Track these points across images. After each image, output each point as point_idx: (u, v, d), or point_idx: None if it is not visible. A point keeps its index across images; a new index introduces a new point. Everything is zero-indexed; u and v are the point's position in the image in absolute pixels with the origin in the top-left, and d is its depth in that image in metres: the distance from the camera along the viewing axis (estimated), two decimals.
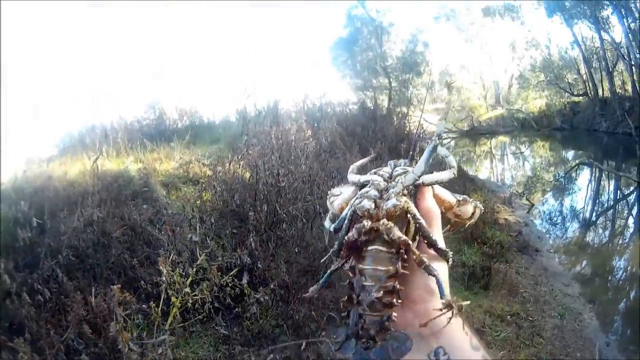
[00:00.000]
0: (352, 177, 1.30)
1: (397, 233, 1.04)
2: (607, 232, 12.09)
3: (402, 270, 1.04)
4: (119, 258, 6.52)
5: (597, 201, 15.36)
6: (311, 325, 5.78)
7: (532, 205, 13.11)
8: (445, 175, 1.19)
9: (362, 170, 1.38)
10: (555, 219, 12.68)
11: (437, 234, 1.13)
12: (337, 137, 12.09)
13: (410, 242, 1.04)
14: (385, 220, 1.05)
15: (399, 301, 1.03)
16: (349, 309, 1.10)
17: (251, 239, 6.28)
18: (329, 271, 1.18)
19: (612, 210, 14.10)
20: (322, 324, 5.75)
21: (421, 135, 15.97)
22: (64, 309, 5.25)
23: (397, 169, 1.26)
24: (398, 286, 1.03)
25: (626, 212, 13.98)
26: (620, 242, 11.34)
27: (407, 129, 17.15)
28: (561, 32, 39.79)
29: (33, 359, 4.06)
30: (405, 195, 1.12)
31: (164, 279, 5.16)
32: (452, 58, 40.36)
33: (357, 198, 1.16)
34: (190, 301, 5.32)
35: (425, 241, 1.08)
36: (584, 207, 14.17)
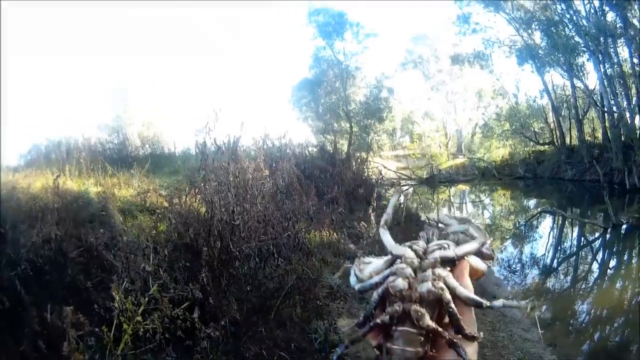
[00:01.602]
0: (389, 243, 1.22)
1: (428, 321, 1.02)
2: (569, 278, 12.18)
3: (430, 352, 1.02)
4: (74, 279, 6.45)
5: (559, 248, 15.58)
6: None
7: (492, 251, 12.97)
8: (477, 243, 1.18)
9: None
10: (514, 266, 12.77)
11: (468, 318, 1.09)
12: (294, 178, 12.12)
13: (440, 329, 1.03)
14: (417, 307, 1.03)
15: None
16: None
17: (203, 274, 6.26)
18: (335, 357, 1.14)
19: (574, 257, 14.25)
20: None
21: (379, 182, 16.08)
22: (21, 322, 5.19)
23: (431, 245, 1.20)
24: None
25: (590, 257, 14.12)
26: (584, 286, 11.46)
27: (366, 174, 17.69)
28: (531, 80, 40.74)
29: None
30: (441, 279, 1.09)
31: (116, 304, 5.14)
32: (416, 105, 41.06)
33: (390, 275, 1.12)
34: (142, 330, 5.28)
35: (454, 327, 1.05)
36: (544, 254, 14.33)
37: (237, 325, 6.03)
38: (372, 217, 12.06)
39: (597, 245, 14.93)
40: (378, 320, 1.06)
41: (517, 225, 18.44)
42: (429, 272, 1.09)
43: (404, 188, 26.19)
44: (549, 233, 17.40)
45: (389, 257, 1.19)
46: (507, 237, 16.90)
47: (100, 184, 11.89)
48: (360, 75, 34.30)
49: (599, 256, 14.00)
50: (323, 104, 34.97)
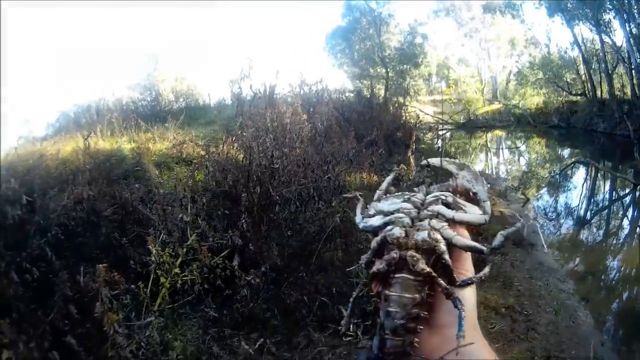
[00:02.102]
0: (383, 205, 1.29)
1: (422, 266, 1.06)
2: (601, 232, 12.02)
3: (428, 299, 1.08)
4: (108, 237, 6.48)
5: (592, 200, 15.39)
6: (303, 310, 5.75)
7: (527, 199, 12.91)
8: (477, 219, 1.21)
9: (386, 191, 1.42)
10: (550, 214, 12.59)
11: (466, 265, 1.17)
12: (333, 121, 12.10)
13: (434, 274, 1.07)
14: (412, 252, 1.08)
15: (421, 328, 1.07)
16: (373, 332, 1.16)
17: (243, 221, 6.21)
18: (352, 298, 1.29)
19: (606, 211, 14.06)
20: (313, 309, 5.71)
21: (417, 125, 15.96)
22: (51, 289, 5.19)
23: (429, 197, 1.26)
24: (423, 313, 1.07)
25: (621, 213, 13.93)
26: (614, 242, 11.31)
27: (404, 118, 17.35)
28: (561, 32, 39.93)
29: (19, 340, 3.95)
30: (437, 230, 1.13)
31: (153, 258, 5.13)
32: (450, 51, 40.60)
33: (389, 223, 1.18)
34: (180, 282, 5.27)
35: (447, 278, 1.09)
36: (578, 205, 14.14)
37: (277, 271, 6.03)
38: (412, 160, 12.36)
39: (628, 202, 14.69)
40: (375, 269, 1.12)
41: (552, 174, 18.11)
42: (426, 222, 1.15)
43: (442, 132, 26.19)
44: (583, 184, 17.28)
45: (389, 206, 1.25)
46: (543, 185, 16.77)
47: (134, 140, 11.97)
48: (393, 23, 34.03)
49: (629, 213, 13.76)
50: (358, 51, 34.73)
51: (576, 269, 9.20)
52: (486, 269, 1.18)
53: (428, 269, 1.05)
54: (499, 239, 1.20)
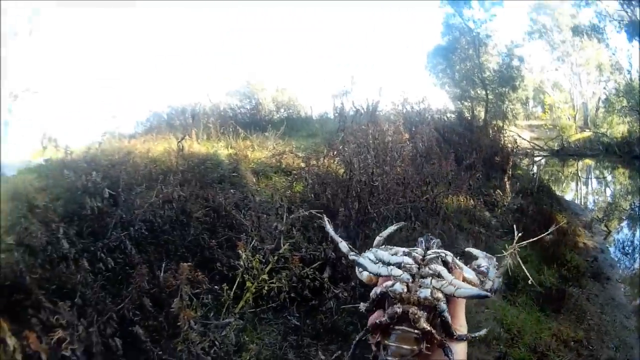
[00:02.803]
0: (383, 254, 1.29)
1: (424, 324, 1.10)
2: None
3: (425, 351, 1.10)
4: (196, 238, 6.61)
5: None
6: None
7: (609, 232, 12.78)
8: (475, 292, 1.17)
9: (388, 241, 1.46)
10: (627, 248, 12.22)
11: (461, 321, 1.19)
12: (434, 142, 12.08)
13: (434, 331, 1.11)
14: (414, 309, 1.12)
15: None
16: None
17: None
18: (354, 342, 1.29)
19: None
20: None
21: (514, 151, 15.74)
22: (126, 280, 5.35)
23: (429, 253, 1.26)
24: None
25: None
26: None
27: (502, 142, 17.09)
28: None
29: (75, 323, 4.08)
30: (439, 289, 1.14)
31: (242, 263, 5.23)
32: (545, 75, 39.94)
33: (391, 277, 1.19)
34: (266, 288, 5.36)
35: (445, 332, 1.14)
36: None
37: (367, 286, 5.93)
38: (508, 186, 12.26)
39: None
40: (377, 321, 1.14)
41: (633, 207, 17.49)
42: (428, 280, 1.16)
43: (537, 159, 25.91)
44: None
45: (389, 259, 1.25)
46: (624, 217, 16.19)
47: (231, 146, 12.00)
48: (491, 44, 32.82)
49: None
50: (458, 71, 34.05)
51: None
52: (482, 332, 1.20)
53: (429, 328, 1.10)
54: (497, 282, 1.21)
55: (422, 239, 1.33)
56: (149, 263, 5.63)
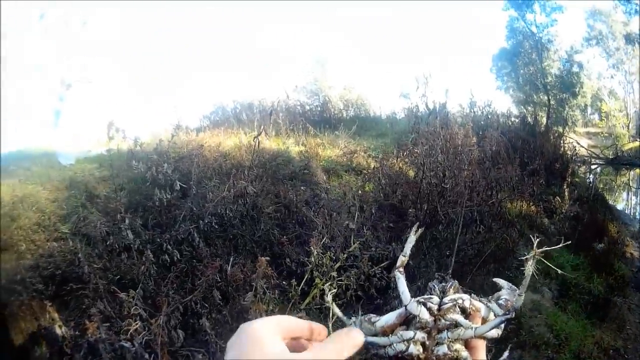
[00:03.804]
0: (404, 295, 1.20)
1: None
2: None
3: None
4: (267, 233, 6.75)
5: None
6: None
7: None
8: (494, 324, 1.09)
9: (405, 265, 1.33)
10: None
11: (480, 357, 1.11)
12: (501, 147, 11.98)
13: None
14: None
15: None
16: None
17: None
18: None
19: None
20: None
21: (574, 158, 16.49)
22: (192, 272, 5.50)
23: (446, 300, 1.14)
24: None
25: None
26: None
27: (562, 149, 17.09)
28: None
29: (141, 314, 4.17)
30: (457, 339, 1.09)
31: (312, 259, 5.28)
32: (602, 82, 39.54)
33: (401, 342, 1.11)
34: (335, 285, 5.37)
35: None
36: None
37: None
38: (566, 193, 12.22)
39: None
40: None
41: None
42: (445, 333, 1.07)
43: (593, 167, 25.70)
44: None
45: (402, 310, 1.17)
46: None
47: (302, 143, 12.12)
48: (552, 48, 32.20)
49: None
50: (522, 75, 33.16)
51: None
52: (505, 354, 1.23)
53: None
54: (519, 300, 1.09)
55: (434, 283, 1.20)
56: (217, 257, 5.75)
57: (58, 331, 3.96)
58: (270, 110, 12.76)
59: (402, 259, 1.29)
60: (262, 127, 10.57)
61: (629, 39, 34.22)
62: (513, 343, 6.22)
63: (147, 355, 4.06)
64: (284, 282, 5.20)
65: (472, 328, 1.08)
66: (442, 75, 38.52)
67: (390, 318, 1.18)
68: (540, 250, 1.09)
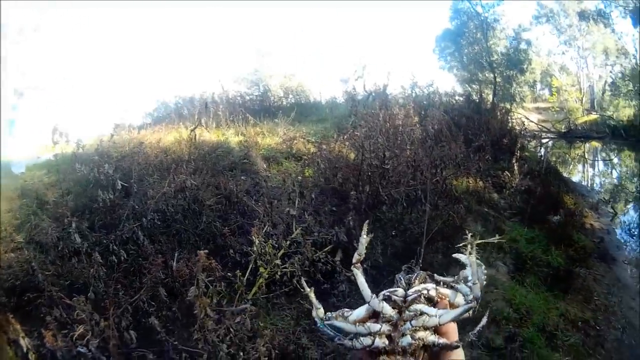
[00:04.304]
0: (365, 292, 1.28)
1: None
2: None
3: None
4: (209, 225, 6.73)
5: None
6: None
7: (616, 213, 12.79)
8: (461, 311, 1.17)
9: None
10: (633, 230, 12.25)
11: (452, 334, 1.18)
12: (444, 125, 12.08)
13: None
14: (399, 358, 1.12)
15: None
16: None
17: (350, 218, 6.34)
18: None
19: None
20: None
21: (522, 133, 16.52)
22: (139, 271, 5.47)
23: (410, 292, 1.23)
24: None
25: None
26: None
27: (510, 125, 17.40)
28: None
29: (92, 318, 4.13)
30: (420, 327, 1.14)
31: (255, 249, 5.27)
32: (552, 58, 39.90)
33: (369, 336, 1.18)
34: (279, 273, 5.42)
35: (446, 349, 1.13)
36: None
37: (378, 269, 5.97)
38: (516, 168, 12.07)
39: None
40: None
41: (639, 189, 17.48)
42: (408, 324, 1.15)
43: (544, 141, 25.73)
44: None
45: (369, 307, 1.24)
46: (630, 199, 16.15)
47: (241, 133, 12.17)
48: (499, 27, 33.35)
49: None
50: (467, 55, 34.46)
51: None
52: (483, 320, 1.23)
53: None
54: (476, 288, 1.18)
55: (400, 275, 1.31)
56: (161, 253, 5.71)
57: (22, 342, 3.90)
58: (205, 103, 12.90)
59: (357, 257, 1.40)
60: (198, 119, 10.61)
61: (583, 15, 34.77)
62: (470, 319, 6.18)
63: (104, 359, 4.01)
64: (229, 274, 5.12)
65: (436, 316, 1.15)
66: (384, 59, 38.86)
67: (360, 313, 1.25)
68: (477, 242, 1.11)
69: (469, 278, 1.21)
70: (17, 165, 9.56)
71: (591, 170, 23.00)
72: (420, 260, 6.36)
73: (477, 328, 1.17)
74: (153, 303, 5.04)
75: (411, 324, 1.13)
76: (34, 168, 9.19)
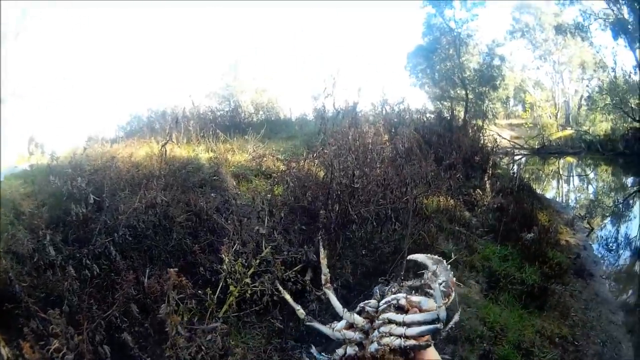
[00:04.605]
0: (338, 309, 1.45)
1: None
2: None
3: None
4: (179, 242, 6.65)
5: None
6: None
7: (592, 229, 12.83)
8: (428, 316, 1.25)
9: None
10: (610, 245, 12.33)
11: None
12: (414, 143, 12.02)
13: None
14: None
15: None
16: None
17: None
18: None
19: None
20: None
21: (495, 150, 16.36)
22: (112, 286, 5.33)
23: (382, 303, 1.33)
24: None
25: None
26: None
27: (482, 142, 17.35)
28: (627, 55, 39.11)
29: (67, 331, 4.08)
30: (386, 334, 1.22)
31: (224, 267, 5.26)
32: (527, 74, 40.21)
33: (342, 345, 1.31)
34: (249, 292, 5.39)
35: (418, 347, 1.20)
36: (637, 236, 13.49)
37: (348, 289, 6.06)
38: (488, 185, 12.21)
39: None
40: None
41: (616, 203, 17.74)
42: (376, 332, 1.24)
43: (517, 158, 25.96)
44: None
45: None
46: (607, 214, 16.34)
47: (211, 150, 12.10)
48: (472, 43, 32.94)
49: None
50: (438, 71, 34.04)
51: (628, 300, 9.09)
52: (456, 317, 1.23)
53: None
54: (442, 311, 1.25)
55: (377, 288, 1.44)
56: (133, 269, 5.64)
57: (2, 351, 3.84)
58: (175, 118, 12.82)
59: (324, 277, 1.46)
60: (170, 134, 10.56)
61: (559, 29, 35.12)
62: (443, 338, 6.19)
63: None
64: (199, 291, 5.11)
65: (403, 322, 1.26)
66: (355, 75, 38.97)
67: (342, 324, 1.42)
68: (407, 284, 1.16)
69: (441, 282, 1.27)
70: None
71: (566, 186, 23.23)
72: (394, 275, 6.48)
73: (450, 324, 1.18)
74: (125, 319, 4.98)
75: (379, 331, 1.23)
76: (11, 177, 9.05)
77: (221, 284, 5.30)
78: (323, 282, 1.34)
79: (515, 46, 38.87)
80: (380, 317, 1.25)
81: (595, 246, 11.89)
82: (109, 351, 4.36)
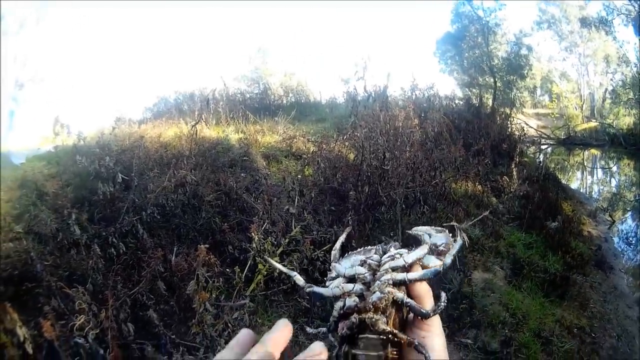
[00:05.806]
0: (339, 267, 1.29)
1: (382, 326, 1.10)
2: None
3: (392, 355, 1.10)
4: (208, 221, 6.76)
5: None
6: None
7: (614, 222, 12.74)
8: (432, 272, 1.17)
9: (345, 250, 1.40)
10: (630, 239, 12.19)
11: (429, 305, 1.16)
12: (443, 128, 12.14)
13: (395, 331, 1.10)
14: (370, 314, 1.11)
15: None
16: None
17: (349, 217, 6.38)
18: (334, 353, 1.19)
19: None
20: None
21: (522, 138, 16.10)
22: (138, 264, 5.46)
23: (385, 257, 1.25)
24: None
25: None
26: None
27: (509, 130, 17.26)
28: None
29: (91, 309, 4.14)
30: (390, 285, 1.15)
31: (254, 245, 5.32)
32: (553, 65, 39.83)
33: (342, 299, 1.20)
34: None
35: (419, 317, 1.13)
36: None
37: None
38: (515, 173, 12.20)
39: None
40: (339, 334, 1.16)
41: (638, 198, 17.36)
42: (378, 282, 1.16)
43: (543, 147, 25.66)
44: None
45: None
46: (629, 208, 16.12)
47: (241, 131, 12.23)
48: (500, 32, 33.49)
49: None
50: (467, 58, 34.47)
51: None
52: (442, 298, 1.24)
53: (388, 328, 1.10)
54: (448, 259, 1.20)
55: (378, 246, 1.31)
56: (160, 247, 5.69)
57: (19, 332, 3.91)
58: (206, 99, 12.91)
59: (334, 253, 1.39)
60: (199, 115, 10.59)
61: (584, 22, 34.69)
62: (467, 322, 6.23)
63: (102, 351, 4.04)
64: (227, 270, 5.17)
65: (406, 272, 1.17)
66: (385, 60, 38.72)
67: (340, 280, 1.24)
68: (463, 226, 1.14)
69: (438, 243, 1.25)
70: (17, 156, 9.59)
71: (590, 178, 22.94)
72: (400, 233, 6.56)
73: (442, 302, 1.19)
74: (151, 296, 5.04)
75: (380, 280, 1.16)
76: (34, 159, 9.16)
77: (249, 262, 5.37)
78: (332, 258, 1.32)
79: (542, 37, 38.50)
80: (382, 268, 1.22)
81: (615, 239, 11.79)
82: (133, 329, 4.43)
